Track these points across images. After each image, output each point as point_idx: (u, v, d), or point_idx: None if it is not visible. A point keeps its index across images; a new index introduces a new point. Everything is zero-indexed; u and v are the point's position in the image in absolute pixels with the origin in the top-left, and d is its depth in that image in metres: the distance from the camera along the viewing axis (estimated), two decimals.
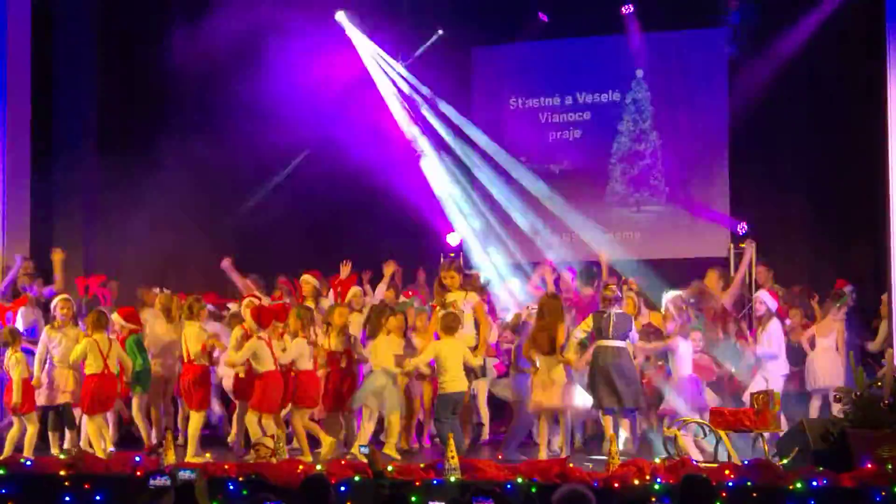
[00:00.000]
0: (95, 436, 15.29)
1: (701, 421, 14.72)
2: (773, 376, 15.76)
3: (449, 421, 14.64)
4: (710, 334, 16.25)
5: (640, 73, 20.96)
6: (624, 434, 14.91)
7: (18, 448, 15.46)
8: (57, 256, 17.44)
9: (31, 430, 15.48)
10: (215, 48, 19.85)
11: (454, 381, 14.72)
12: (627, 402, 14.71)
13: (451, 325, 14.83)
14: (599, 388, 14.67)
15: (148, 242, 18.54)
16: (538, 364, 14.90)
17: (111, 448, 15.39)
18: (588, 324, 14.98)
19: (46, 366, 15.72)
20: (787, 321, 16.90)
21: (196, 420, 15.33)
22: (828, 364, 16.34)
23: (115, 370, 15.39)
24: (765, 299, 16.28)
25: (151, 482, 10.47)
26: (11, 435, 15.55)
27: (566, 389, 14.87)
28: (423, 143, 21.38)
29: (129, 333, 16.10)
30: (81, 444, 15.66)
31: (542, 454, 14.70)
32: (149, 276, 17.94)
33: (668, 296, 16.15)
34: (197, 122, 19.83)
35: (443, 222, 21.19)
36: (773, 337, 15.90)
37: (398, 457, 14.74)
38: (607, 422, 14.69)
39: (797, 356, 16.67)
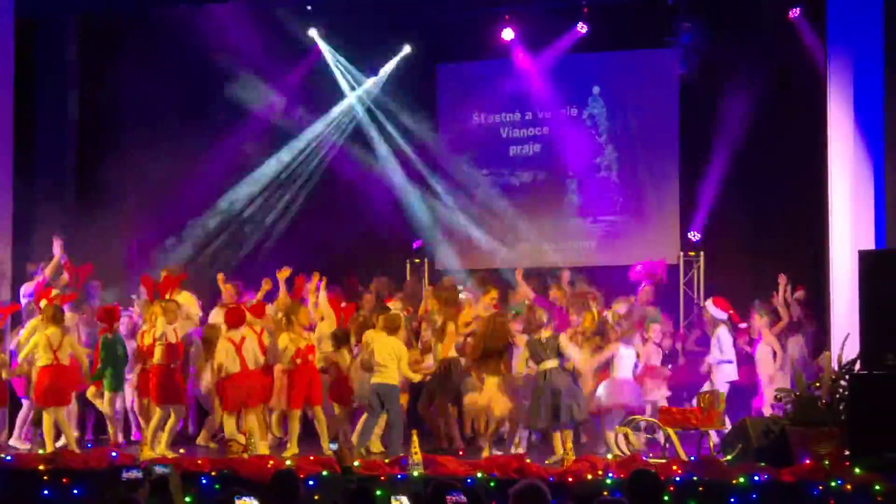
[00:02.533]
0: (49, 430, 15.44)
1: (650, 419, 15.29)
2: (719, 382, 16.28)
3: (376, 411, 15.25)
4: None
5: (596, 90, 21.17)
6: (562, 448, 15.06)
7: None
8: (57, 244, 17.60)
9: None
10: (190, 63, 20.35)
11: (379, 374, 15.22)
12: (574, 417, 15.01)
13: (391, 325, 15.44)
14: (542, 408, 14.92)
15: (126, 248, 18.80)
16: (484, 384, 15.33)
17: (59, 444, 15.68)
18: (525, 353, 15.41)
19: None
20: (742, 325, 17.40)
21: (158, 416, 15.56)
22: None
23: (66, 363, 15.55)
24: (710, 309, 16.83)
25: (124, 475, 10.81)
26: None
27: (516, 405, 15.35)
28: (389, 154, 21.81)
29: (102, 332, 16.21)
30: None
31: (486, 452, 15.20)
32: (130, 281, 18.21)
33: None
34: (173, 134, 20.08)
35: (407, 228, 21.59)
36: (721, 343, 16.40)
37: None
38: (556, 438, 15.03)
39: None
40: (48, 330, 15.57)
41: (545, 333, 15.25)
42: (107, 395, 16.30)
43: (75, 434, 16.42)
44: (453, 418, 16.07)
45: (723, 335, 16.45)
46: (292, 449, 15.35)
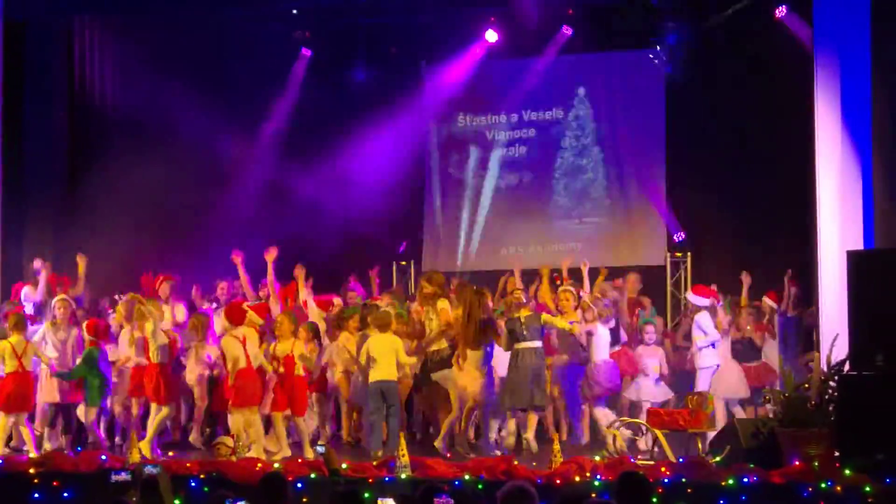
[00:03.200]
0: (2, 435, 15.66)
1: (638, 421, 15.30)
2: (702, 365, 16.25)
3: (379, 411, 15.26)
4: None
5: (581, 91, 21.31)
6: (530, 432, 15.40)
7: None
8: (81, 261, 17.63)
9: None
10: (179, 68, 20.33)
11: (377, 371, 15.28)
12: (538, 401, 15.20)
13: (381, 322, 15.50)
14: (517, 388, 15.08)
15: (117, 255, 18.74)
16: (467, 358, 15.30)
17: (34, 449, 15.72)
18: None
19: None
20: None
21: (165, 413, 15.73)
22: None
23: (29, 368, 15.79)
24: (690, 298, 16.88)
25: (113, 477, 10.83)
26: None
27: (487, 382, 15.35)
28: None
29: (90, 345, 16.16)
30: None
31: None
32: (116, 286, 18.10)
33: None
34: (163, 139, 20.06)
35: (394, 230, 21.78)
36: (703, 326, 16.35)
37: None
38: (512, 421, 15.33)
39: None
40: (12, 338, 15.80)
41: (524, 312, 15.33)
42: (84, 407, 16.23)
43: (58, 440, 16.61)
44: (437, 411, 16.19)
45: (702, 319, 16.47)
46: (283, 452, 15.28)
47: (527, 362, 15.15)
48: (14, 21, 18.76)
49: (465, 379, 15.34)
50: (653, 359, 16.55)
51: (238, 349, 15.25)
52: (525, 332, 15.22)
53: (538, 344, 15.30)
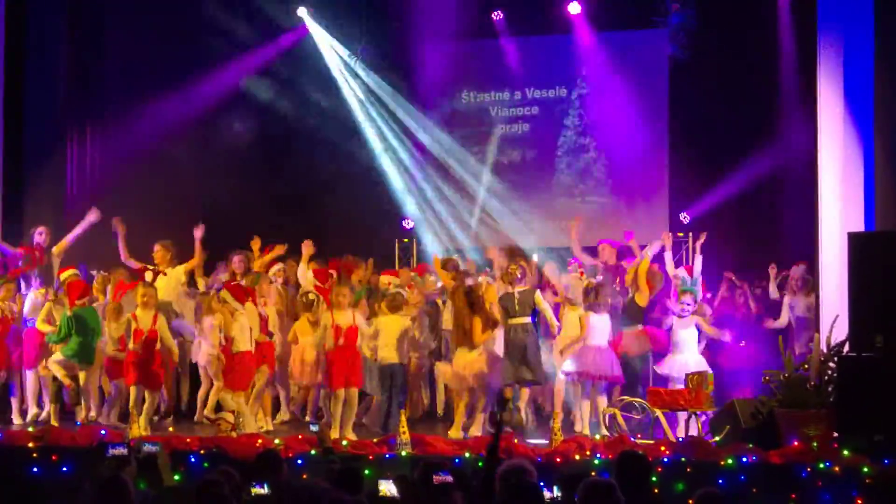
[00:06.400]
0: None
1: (639, 400, 15.28)
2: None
3: (387, 392, 15.39)
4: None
5: (585, 70, 21.27)
6: (522, 407, 15.50)
7: None
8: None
9: None
10: (180, 39, 20.36)
11: (386, 355, 15.40)
12: (533, 376, 15.21)
13: (394, 304, 15.60)
14: (511, 362, 15.11)
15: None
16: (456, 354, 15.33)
17: None
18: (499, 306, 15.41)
19: None
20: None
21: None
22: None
23: None
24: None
25: (110, 451, 10.76)
26: None
27: (483, 374, 15.16)
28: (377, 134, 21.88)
29: (71, 305, 15.83)
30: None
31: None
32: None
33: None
34: (163, 106, 20.08)
35: (396, 208, 21.75)
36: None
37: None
38: (509, 393, 15.25)
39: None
40: None
41: (519, 288, 15.35)
42: (83, 373, 16.00)
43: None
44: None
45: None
46: (336, 431, 14.96)
47: (515, 338, 15.19)
48: None
49: (450, 370, 15.40)
50: (687, 329, 15.81)
51: (245, 331, 15.21)
52: (517, 308, 15.25)
53: (527, 320, 15.29)
